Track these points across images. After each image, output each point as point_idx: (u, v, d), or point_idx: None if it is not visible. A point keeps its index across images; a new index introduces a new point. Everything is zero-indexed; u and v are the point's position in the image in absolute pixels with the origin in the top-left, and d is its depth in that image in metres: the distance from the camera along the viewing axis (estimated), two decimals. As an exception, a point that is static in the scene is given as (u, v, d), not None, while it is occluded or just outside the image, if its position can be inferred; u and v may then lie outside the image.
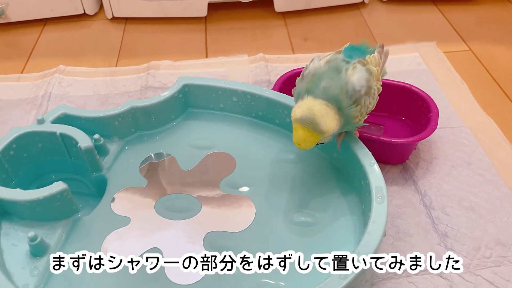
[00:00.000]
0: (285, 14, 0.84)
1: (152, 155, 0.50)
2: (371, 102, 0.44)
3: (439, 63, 0.71)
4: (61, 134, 0.46)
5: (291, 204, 0.45)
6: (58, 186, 0.41)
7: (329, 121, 0.41)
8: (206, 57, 0.75)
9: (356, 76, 0.42)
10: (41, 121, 0.47)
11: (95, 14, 0.85)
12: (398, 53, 0.73)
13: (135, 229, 0.43)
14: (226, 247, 0.41)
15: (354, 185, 0.45)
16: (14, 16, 0.81)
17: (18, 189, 0.41)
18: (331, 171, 0.48)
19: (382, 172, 0.54)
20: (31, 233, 0.38)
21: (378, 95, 0.45)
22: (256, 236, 0.42)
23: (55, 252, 0.40)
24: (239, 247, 0.41)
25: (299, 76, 0.62)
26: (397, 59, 0.72)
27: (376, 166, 0.42)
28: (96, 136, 0.48)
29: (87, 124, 0.49)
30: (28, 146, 0.47)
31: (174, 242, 0.42)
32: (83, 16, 0.84)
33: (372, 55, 0.45)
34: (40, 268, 0.39)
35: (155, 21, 0.83)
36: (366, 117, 0.45)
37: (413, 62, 0.71)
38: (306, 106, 0.41)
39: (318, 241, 0.41)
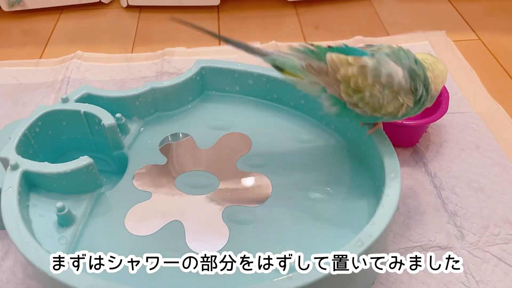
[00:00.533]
0: (296, 3, 0.85)
1: (170, 135, 0.52)
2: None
3: (448, 51, 0.72)
4: (85, 113, 0.48)
5: (305, 182, 0.46)
6: (84, 160, 0.43)
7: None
8: (219, 44, 0.76)
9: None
10: (65, 100, 0.48)
11: (110, 2, 0.87)
12: (409, 41, 0.75)
13: (156, 203, 0.45)
14: (244, 220, 0.43)
15: (367, 164, 0.46)
16: (31, 3, 0.82)
17: (46, 162, 0.43)
18: (344, 151, 0.49)
19: (393, 154, 0.55)
20: (59, 204, 0.40)
21: None
22: (273, 211, 0.44)
23: (82, 223, 0.42)
24: (257, 220, 0.43)
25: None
26: (408, 47, 0.73)
27: (390, 144, 0.43)
28: (118, 115, 0.49)
29: (109, 104, 0.50)
30: (53, 124, 0.48)
31: (194, 215, 0.43)
32: (99, 4, 0.86)
33: None
34: (68, 237, 0.40)
35: (169, 10, 0.84)
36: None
37: (423, 50, 0.73)
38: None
39: (333, 216, 0.43)
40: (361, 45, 0.44)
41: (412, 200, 0.51)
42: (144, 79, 0.68)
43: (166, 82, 0.52)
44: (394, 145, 0.56)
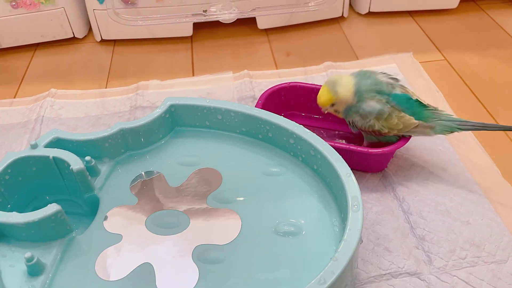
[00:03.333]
0: (268, 31, 0.87)
1: (142, 173, 0.52)
2: (368, 129, 0.54)
3: (415, 73, 0.74)
4: (54, 158, 0.48)
5: (275, 215, 0.47)
6: (52, 208, 0.43)
7: (345, 89, 0.53)
8: (193, 75, 0.78)
9: (370, 103, 0.53)
10: (34, 146, 0.49)
11: (84, 37, 0.88)
12: (377, 64, 0.76)
13: (127, 246, 0.45)
14: (214, 260, 0.43)
15: (334, 195, 0.47)
16: (5, 42, 0.83)
17: (14, 212, 0.43)
18: (313, 182, 0.50)
19: (362, 181, 0.57)
20: (27, 254, 0.41)
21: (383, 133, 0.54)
22: (242, 247, 0.44)
23: (52, 271, 0.42)
24: (226, 259, 0.43)
25: (281, 92, 0.65)
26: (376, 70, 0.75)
27: (352, 177, 0.44)
28: (88, 158, 0.50)
29: (78, 147, 0.51)
30: (22, 170, 0.49)
31: (164, 256, 0.44)
32: (73, 39, 0.87)
33: (410, 117, 0.53)
34: (37, 287, 0.41)
35: (143, 42, 0.86)
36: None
37: (391, 73, 0.74)
38: (339, 75, 0.55)
39: (301, 249, 0.44)
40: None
41: (381, 226, 0.52)
42: (118, 114, 0.69)
43: (134, 122, 0.53)
44: (363, 171, 0.58)
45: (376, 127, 0.53)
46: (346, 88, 0.53)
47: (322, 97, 0.54)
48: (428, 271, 0.47)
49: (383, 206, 0.54)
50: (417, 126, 0.53)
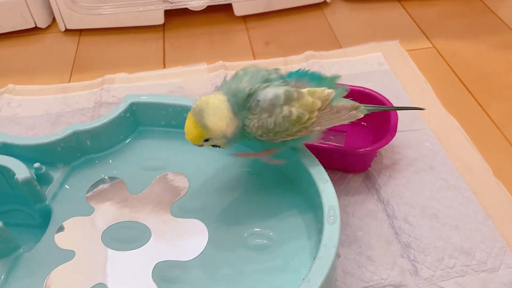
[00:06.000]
0: (246, 18, 0.82)
1: (100, 180, 0.47)
2: (281, 127, 0.39)
3: (402, 63, 0.69)
4: (-3, 166, 0.43)
5: (246, 225, 0.43)
6: (-8, 226, 0.39)
7: (217, 118, 0.38)
8: (164, 67, 0.72)
9: (268, 89, 0.38)
10: (-24, 153, 0.44)
11: (48, 26, 0.81)
12: (362, 53, 0.72)
13: (79, 264, 0.40)
14: (176, 279, 0.39)
15: (310, 202, 0.43)
16: (-40, 33, 0.77)
17: None
18: (287, 186, 0.46)
19: (344, 182, 0.52)
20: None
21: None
22: (209, 264, 0.40)
23: (-8, 296, 0.38)
24: (190, 278, 0.39)
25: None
26: (361, 60, 0.71)
27: (329, 184, 0.40)
28: (37, 164, 0.45)
29: (27, 152, 0.46)
30: (-37, 180, 0.44)
31: (121, 276, 0.39)
32: (35, 29, 0.80)
33: (323, 88, 0.40)
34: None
35: (111, 31, 0.80)
36: (279, 140, 0.40)
37: (376, 62, 0.70)
38: (205, 97, 0.39)
39: (273, 265, 0.39)
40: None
41: (363, 233, 0.48)
42: (81, 111, 0.64)
43: (90, 123, 0.48)
44: (345, 171, 0.53)
45: (295, 116, 0.38)
46: (218, 115, 0.38)
47: (190, 134, 0.40)
48: (414, 283, 0.43)
49: (366, 210, 0.50)
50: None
